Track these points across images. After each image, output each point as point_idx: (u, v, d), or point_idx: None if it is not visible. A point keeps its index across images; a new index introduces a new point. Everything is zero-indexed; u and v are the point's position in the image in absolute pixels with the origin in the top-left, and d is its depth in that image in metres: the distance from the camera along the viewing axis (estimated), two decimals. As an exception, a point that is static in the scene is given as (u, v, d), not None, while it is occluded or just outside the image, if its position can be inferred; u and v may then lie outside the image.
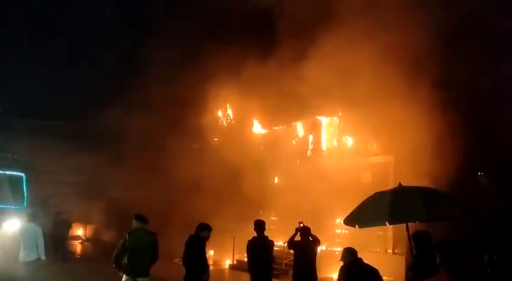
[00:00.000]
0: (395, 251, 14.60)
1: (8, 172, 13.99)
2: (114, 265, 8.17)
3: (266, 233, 9.75)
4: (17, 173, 14.07)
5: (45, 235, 10.98)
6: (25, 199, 13.85)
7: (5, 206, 13.50)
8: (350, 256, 6.27)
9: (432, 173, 12.54)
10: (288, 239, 10.03)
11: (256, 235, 9.56)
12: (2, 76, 28.58)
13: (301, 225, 9.80)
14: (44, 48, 26.38)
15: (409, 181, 8.27)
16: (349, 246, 6.70)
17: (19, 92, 28.25)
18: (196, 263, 8.50)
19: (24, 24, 28.47)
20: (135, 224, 8.35)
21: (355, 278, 6.10)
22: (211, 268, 18.87)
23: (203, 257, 8.73)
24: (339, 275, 6.36)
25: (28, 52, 26.92)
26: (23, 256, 10.29)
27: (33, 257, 10.28)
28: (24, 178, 14.06)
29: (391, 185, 8.62)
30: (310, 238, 9.68)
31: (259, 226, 9.56)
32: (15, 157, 14.57)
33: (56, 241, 17.50)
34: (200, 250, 8.65)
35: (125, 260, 8.14)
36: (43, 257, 10.44)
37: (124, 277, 8.13)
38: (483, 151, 13.75)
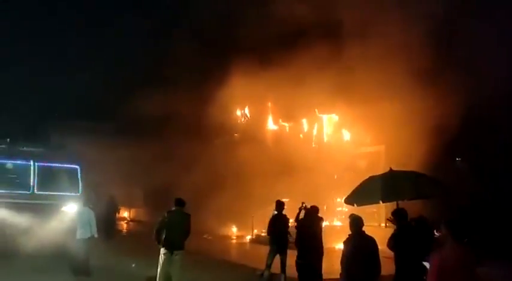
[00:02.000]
0: (387, 225, 14.57)
1: (65, 165, 14.12)
2: (154, 238, 8.26)
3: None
4: (73, 165, 14.18)
5: (97, 216, 11.15)
6: (80, 186, 13.96)
7: (63, 193, 13.63)
8: (355, 227, 6.22)
9: (417, 160, 12.48)
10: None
11: (277, 212, 9.67)
12: (58, 85, 28.87)
13: (304, 205, 9.83)
14: (93, 59, 26.26)
15: (398, 167, 8.26)
16: (353, 213, 6.55)
17: (71, 97, 28.49)
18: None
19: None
20: (174, 205, 8.44)
21: (357, 247, 6.08)
22: (235, 241, 19.31)
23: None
24: (345, 245, 6.31)
25: (79, 62, 26.90)
26: (79, 234, 10.47)
27: (88, 235, 10.45)
28: (78, 169, 14.17)
29: (382, 170, 8.62)
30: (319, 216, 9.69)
31: (279, 205, 9.70)
32: (71, 151, 14.71)
33: (106, 221, 17.73)
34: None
35: (163, 235, 8.22)
36: (96, 235, 10.60)
37: (162, 250, 8.19)
38: (461, 139, 13.63)
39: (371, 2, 14.90)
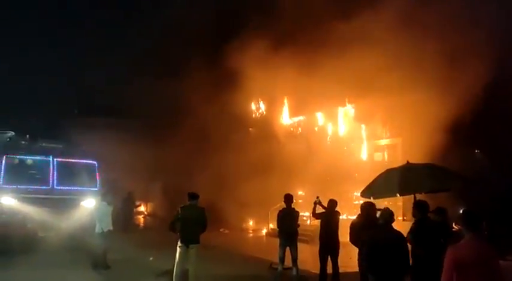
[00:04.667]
0: (405, 218, 14.40)
1: (83, 161, 14.29)
2: (170, 229, 8.34)
3: (295, 205, 9.80)
4: (91, 161, 14.35)
5: (114, 210, 11.27)
6: (97, 182, 14.12)
7: (82, 188, 13.79)
8: (383, 220, 6.03)
9: (435, 152, 12.27)
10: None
11: (285, 206, 9.62)
12: (77, 81, 29.15)
13: (318, 199, 9.74)
14: (112, 54, 26.30)
15: (415, 159, 8.13)
16: (386, 208, 6.28)
17: (90, 93, 28.69)
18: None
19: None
20: (188, 200, 8.47)
21: (381, 241, 5.88)
22: (251, 235, 19.34)
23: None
24: (369, 238, 6.15)
25: (98, 58, 26.92)
26: (97, 228, 10.60)
27: (104, 228, 10.57)
28: (96, 165, 14.34)
29: (399, 163, 8.49)
30: (336, 209, 9.60)
31: (287, 198, 9.62)
32: (89, 148, 14.87)
33: (124, 216, 17.96)
34: None
35: (178, 229, 8.27)
36: (111, 228, 10.71)
37: (179, 244, 8.27)
38: (480, 131, 13.35)
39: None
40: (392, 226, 5.97)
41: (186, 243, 8.20)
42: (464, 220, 4.30)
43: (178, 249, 8.25)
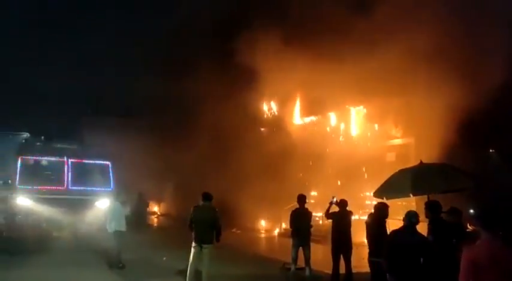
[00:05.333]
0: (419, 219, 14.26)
1: (97, 161, 14.45)
2: (189, 229, 8.38)
3: (307, 206, 9.80)
4: (105, 162, 14.51)
5: (128, 210, 11.38)
6: (111, 182, 14.27)
7: (96, 189, 13.95)
8: (406, 222, 5.98)
9: (448, 152, 12.17)
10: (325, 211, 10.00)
11: (298, 206, 9.64)
12: (90, 82, 29.45)
13: (334, 199, 9.72)
14: (123, 55, 26.48)
15: (428, 159, 8.08)
16: (411, 210, 6.28)
17: (103, 94, 29.00)
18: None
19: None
20: (201, 200, 8.51)
21: (403, 243, 5.86)
22: (264, 235, 19.36)
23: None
24: (391, 239, 6.15)
25: (110, 60, 27.15)
26: (111, 227, 10.70)
27: (118, 228, 10.66)
28: (110, 166, 14.49)
29: (412, 163, 8.45)
30: (348, 209, 9.59)
31: (300, 199, 9.64)
32: (103, 148, 15.02)
33: (137, 216, 18.10)
34: None
35: (193, 230, 8.35)
36: (123, 229, 10.80)
37: (193, 244, 8.34)
38: (494, 131, 13.20)
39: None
40: (416, 229, 5.95)
41: (199, 243, 8.26)
42: (481, 219, 4.17)
43: (192, 249, 8.32)
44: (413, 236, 5.88)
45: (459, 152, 12.07)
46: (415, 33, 13.36)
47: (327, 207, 9.77)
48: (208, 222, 8.35)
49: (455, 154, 11.94)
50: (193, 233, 8.34)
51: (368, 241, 7.86)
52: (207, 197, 8.50)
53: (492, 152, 14.38)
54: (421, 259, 5.75)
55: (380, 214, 7.63)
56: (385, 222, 7.61)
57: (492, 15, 12.72)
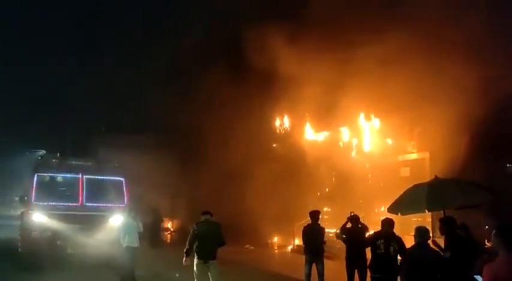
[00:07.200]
0: (434, 234, 14.05)
1: (111, 178, 14.56)
2: (185, 249, 8.33)
3: (320, 222, 9.74)
4: (118, 178, 14.60)
5: (143, 227, 11.40)
6: (124, 198, 14.35)
7: (110, 204, 14.03)
8: (418, 238, 6.00)
9: (464, 167, 12.00)
10: (339, 226, 9.90)
11: (310, 223, 9.58)
12: (104, 100, 29.89)
13: (352, 214, 9.65)
14: (137, 73, 26.83)
15: (444, 174, 7.99)
16: (421, 225, 6.30)
17: (117, 111, 29.39)
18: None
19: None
20: (202, 217, 8.59)
21: (417, 259, 5.85)
22: (276, 251, 19.20)
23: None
24: (406, 255, 6.16)
25: (123, 77, 27.54)
26: (124, 242, 10.74)
27: (131, 244, 10.71)
28: (123, 182, 14.57)
29: (427, 178, 8.37)
30: (359, 225, 9.50)
31: (313, 215, 9.60)
32: (116, 165, 15.13)
33: (151, 231, 18.13)
34: None
35: (195, 245, 8.28)
36: (137, 245, 10.83)
37: (196, 260, 8.27)
38: (510, 144, 13.00)
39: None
40: (429, 244, 5.99)
41: (203, 258, 8.21)
42: (500, 236, 4.09)
43: (195, 266, 8.26)
44: (428, 252, 5.88)
45: (476, 167, 11.90)
46: (429, 49, 13.33)
47: (344, 222, 9.70)
48: (212, 236, 8.35)
49: (472, 168, 11.78)
50: (196, 249, 8.27)
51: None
52: (205, 212, 8.62)
53: (510, 166, 14.14)
54: (438, 275, 5.71)
55: (385, 228, 7.69)
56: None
57: (507, 28, 12.63)
